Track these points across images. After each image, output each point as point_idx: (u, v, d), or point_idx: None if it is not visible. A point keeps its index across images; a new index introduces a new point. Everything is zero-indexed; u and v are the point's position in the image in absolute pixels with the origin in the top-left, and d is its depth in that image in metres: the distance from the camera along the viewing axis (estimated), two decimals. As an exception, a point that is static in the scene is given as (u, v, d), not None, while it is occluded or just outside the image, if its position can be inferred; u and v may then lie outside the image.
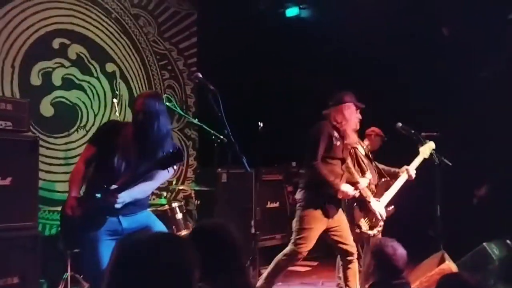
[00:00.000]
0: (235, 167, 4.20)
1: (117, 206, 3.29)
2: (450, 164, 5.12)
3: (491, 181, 6.71)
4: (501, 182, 6.36)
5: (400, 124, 5.50)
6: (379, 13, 6.93)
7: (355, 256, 4.44)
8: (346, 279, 4.46)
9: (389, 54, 6.95)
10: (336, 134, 4.37)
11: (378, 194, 4.78)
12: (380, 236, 4.70)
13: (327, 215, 4.33)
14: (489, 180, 6.75)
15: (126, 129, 3.50)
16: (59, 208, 4.78)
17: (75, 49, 6.22)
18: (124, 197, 3.29)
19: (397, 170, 5.11)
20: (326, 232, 4.41)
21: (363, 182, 4.57)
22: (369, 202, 4.60)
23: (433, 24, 7.00)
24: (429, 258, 4.82)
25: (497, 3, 6.41)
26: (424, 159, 5.11)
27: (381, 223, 4.73)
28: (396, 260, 3.04)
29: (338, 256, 4.74)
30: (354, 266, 4.42)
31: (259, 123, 6.18)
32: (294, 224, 4.41)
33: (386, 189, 4.83)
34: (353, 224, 4.61)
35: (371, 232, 4.66)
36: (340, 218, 4.46)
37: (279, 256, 4.46)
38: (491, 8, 6.42)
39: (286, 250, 4.42)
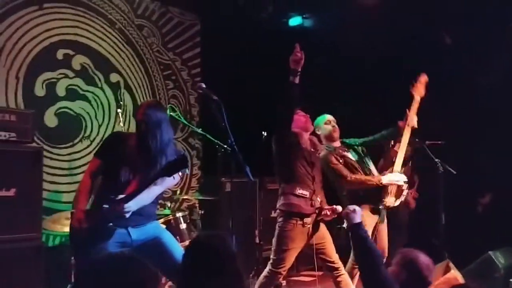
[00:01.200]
0: (239, 176, 4.19)
1: (126, 215, 3.30)
2: (454, 172, 5.11)
3: (495, 189, 6.68)
4: (505, 190, 6.34)
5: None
6: (382, 22, 6.96)
7: (341, 269, 4.38)
8: None
9: (392, 62, 6.96)
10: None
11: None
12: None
13: (307, 233, 4.29)
14: (493, 188, 6.73)
15: (131, 139, 3.52)
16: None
17: (79, 60, 6.25)
18: (131, 206, 3.30)
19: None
20: (310, 248, 4.36)
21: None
22: (381, 182, 4.65)
23: (436, 31, 7.01)
24: (434, 267, 4.78)
25: (498, 8, 6.41)
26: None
27: (405, 189, 4.79)
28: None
29: None
30: (345, 278, 4.37)
31: (263, 132, 6.20)
32: (273, 241, 4.36)
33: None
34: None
35: (397, 202, 4.80)
36: (323, 235, 4.38)
37: (260, 278, 4.42)
38: (492, 14, 6.43)
39: (265, 272, 4.37)
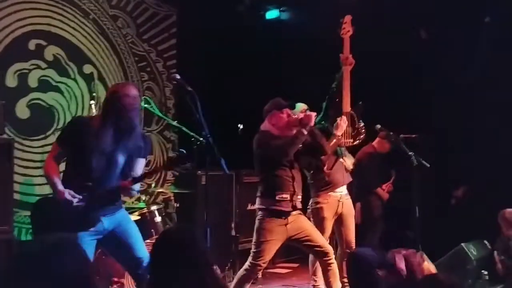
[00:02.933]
0: (214, 169, 4.17)
1: (133, 193, 3.59)
2: (428, 165, 5.16)
3: (469, 182, 6.78)
4: (479, 183, 6.43)
5: (379, 126, 5.55)
6: (360, 15, 6.97)
7: (332, 255, 4.41)
8: (327, 280, 4.43)
9: (369, 56, 6.97)
10: None
11: None
12: None
13: (285, 221, 4.29)
14: (466, 181, 6.82)
15: (93, 123, 3.46)
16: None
17: (52, 51, 6.14)
18: (136, 187, 3.49)
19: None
20: (294, 241, 4.38)
21: None
22: (338, 135, 4.78)
23: (413, 26, 7.06)
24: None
25: (475, 5, 6.48)
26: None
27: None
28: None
29: (310, 255, 4.75)
30: (334, 267, 4.39)
31: (239, 125, 6.19)
32: (254, 235, 4.37)
33: None
34: None
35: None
36: (303, 225, 4.38)
37: (240, 271, 4.43)
38: (469, 10, 6.49)
39: (246, 265, 4.38)
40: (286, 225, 4.28)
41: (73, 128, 3.52)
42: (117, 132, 3.39)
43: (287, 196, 4.30)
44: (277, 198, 4.28)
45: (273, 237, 4.27)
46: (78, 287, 1.58)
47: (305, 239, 4.35)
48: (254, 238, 4.37)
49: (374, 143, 6.29)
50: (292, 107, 4.50)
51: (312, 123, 4.25)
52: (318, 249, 4.37)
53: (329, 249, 4.40)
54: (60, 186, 3.33)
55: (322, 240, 4.43)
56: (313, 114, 4.29)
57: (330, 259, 4.36)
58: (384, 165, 6.44)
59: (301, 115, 4.34)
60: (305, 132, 4.21)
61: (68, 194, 3.28)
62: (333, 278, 4.39)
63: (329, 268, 4.38)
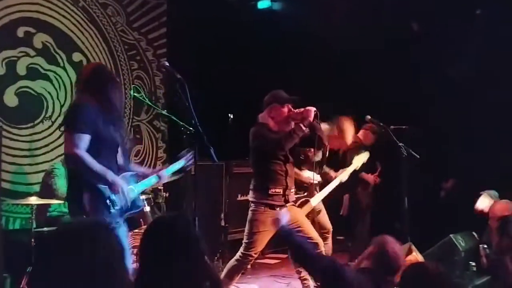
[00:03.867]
0: (204, 159, 4.15)
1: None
2: (417, 156, 5.18)
3: (458, 174, 6.81)
4: (468, 175, 6.46)
5: (369, 117, 5.56)
6: (351, 6, 6.96)
7: (322, 247, 4.43)
8: None
9: (360, 47, 6.97)
10: None
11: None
12: None
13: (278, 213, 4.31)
14: (455, 173, 6.85)
15: (92, 104, 3.37)
16: (24, 201, 4.74)
17: (40, 38, 6.07)
18: None
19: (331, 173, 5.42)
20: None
21: None
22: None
23: (405, 18, 7.05)
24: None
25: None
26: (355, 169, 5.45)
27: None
28: (394, 262, 3.00)
29: None
30: None
31: (230, 115, 6.17)
32: (246, 226, 4.40)
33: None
34: None
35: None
36: (295, 216, 4.38)
37: (231, 262, 4.45)
38: (460, 3, 6.50)
39: (237, 255, 4.41)
40: None
41: (87, 113, 3.31)
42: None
43: (280, 190, 4.34)
44: (269, 192, 4.31)
45: (265, 228, 4.28)
46: (110, 271, 1.57)
47: (296, 229, 4.35)
48: (246, 229, 4.39)
49: (359, 134, 6.31)
50: (295, 102, 4.45)
51: (312, 119, 4.23)
52: (309, 241, 4.38)
53: (320, 241, 4.42)
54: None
55: (314, 233, 4.45)
56: (313, 109, 4.28)
57: (319, 252, 4.37)
58: (370, 157, 6.46)
59: (301, 110, 4.31)
60: (304, 128, 4.20)
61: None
62: None
63: None
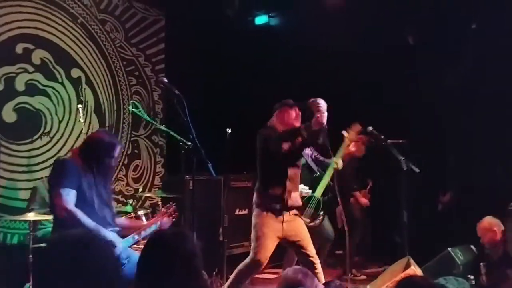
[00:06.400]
0: (202, 173, 4.16)
1: None
2: (417, 170, 5.18)
3: (456, 188, 6.82)
4: (465, 188, 6.47)
5: (370, 128, 5.55)
6: (348, 21, 7.01)
7: (318, 265, 4.41)
8: None
9: (358, 61, 7.02)
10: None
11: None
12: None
13: (280, 219, 4.31)
14: (453, 186, 6.86)
15: (76, 162, 3.50)
16: (21, 217, 4.72)
17: (39, 54, 6.10)
18: None
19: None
20: (288, 242, 4.41)
21: None
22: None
23: (401, 31, 7.11)
24: (395, 264, 4.84)
25: (463, 11, 6.54)
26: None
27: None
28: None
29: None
30: (319, 276, 4.36)
31: (227, 129, 6.17)
32: (251, 233, 4.40)
33: None
34: None
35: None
36: (300, 229, 4.40)
37: (240, 266, 4.44)
38: (457, 17, 6.55)
39: (247, 259, 4.40)
40: (282, 222, 4.31)
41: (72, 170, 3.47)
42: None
43: (278, 193, 4.31)
44: (268, 194, 4.33)
45: (268, 230, 4.29)
46: (105, 279, 1.58)
47: (299, 244, 4.38)
48: (252, 235, 4.40)
49: (351, 147, 6.29)
50: (303, 107, 4.46)
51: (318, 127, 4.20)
52: (308, 258, 4.39)
53: (317, 260, 4.42)
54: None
55: (312, 249, 4.44)
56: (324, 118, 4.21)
57: (316, 270, 4.36)
58: (361, 171, 6.53)
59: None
60: (305, 135, 4.20)
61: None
62: None
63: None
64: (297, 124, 4.42)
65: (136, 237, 3.67)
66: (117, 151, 3.57)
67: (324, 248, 5.39)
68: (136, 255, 3.56)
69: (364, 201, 6.48)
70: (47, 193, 4.94)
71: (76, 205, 3.35)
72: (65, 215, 3.28)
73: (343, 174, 5.86)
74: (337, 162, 4.99)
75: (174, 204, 3.94)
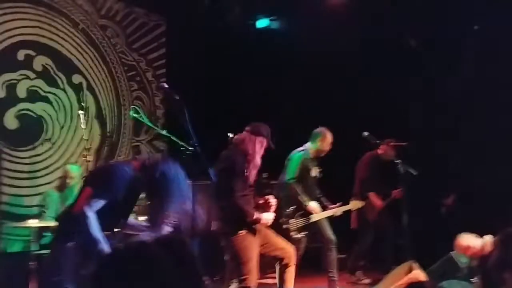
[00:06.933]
0: (203, 178, 4.15)
1: None
2: (415, 173, 5.18)
3: (459, 190, 6.79)
4: (468, 191, 6.45)
5: (366, 134, 5.58)
6: (349, 24, 7.01)
7: (292, 260, 4.43)
8: (282, 282, 4.47)
9: (358, 64, 7.02)
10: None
11: None
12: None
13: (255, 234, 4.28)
14: (456, 189, 6.84)
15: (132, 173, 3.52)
16: (23, 224, 4.73)
17: (40, 61, 6.11)
18: None
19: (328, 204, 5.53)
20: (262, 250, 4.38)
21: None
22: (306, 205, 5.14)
23: (402, 34, 7.11)
24: (398, 268, 4.83)
25: (463, 14, 6.53)
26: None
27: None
28: None
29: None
30: (291, 270, 4.44)
31: (229, 134, 6.16)
32: (234, 259, 4.28)
33: None
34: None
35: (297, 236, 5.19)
36: (263, 232, 4.38)
37: None
38: (457, 16, 6.55)
39: None
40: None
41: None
42: None
43: None
44: None
45: (255, 250, 4.29)
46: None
47: (270, 245, 4.42)
48: (237, 260, 4.33)
49: (380, 148, 6.34)
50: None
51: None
52: (280, 252, 4.45)
53: (289, 251, 4.47)
54: None
55: (283, 243, 4.50)
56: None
57: (288, 263, 4.44)
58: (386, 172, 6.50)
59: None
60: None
61: None
62: (289, 280, 4.46)
63: (286, 270, 4.45)
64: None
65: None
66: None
67: (330, 251, 5.36)
68: None
69: (378, 203, 6.44)
70: (59, 200, 4.98)
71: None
72: (79, 215, 3.25)
73: (363, 174, 6.01)
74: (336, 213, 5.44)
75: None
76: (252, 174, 4.29)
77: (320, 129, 5.46)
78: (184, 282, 2.09)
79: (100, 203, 3.27)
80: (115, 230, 3.43)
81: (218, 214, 4.37)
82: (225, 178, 4.14)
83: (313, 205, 5.28)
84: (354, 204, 5.83)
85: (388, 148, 6.24)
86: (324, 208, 5.46)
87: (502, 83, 6.18)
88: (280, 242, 4.46)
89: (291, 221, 5.25)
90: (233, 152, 4.33)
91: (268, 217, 4.31)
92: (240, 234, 4.20)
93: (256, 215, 4.20)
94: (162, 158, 3.53)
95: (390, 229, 6.45)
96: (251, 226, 4.22)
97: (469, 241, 4.64)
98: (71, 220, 3.31)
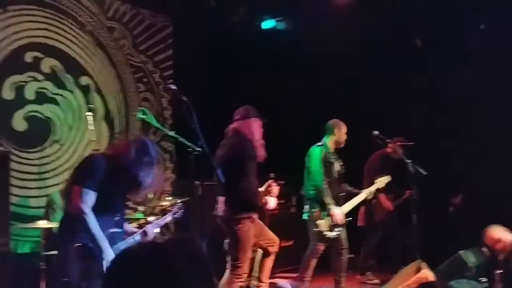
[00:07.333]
0: (211, 179, 4.17)
1: None
2: (425, 173, 5.17)
3: (467, 190, 6.78)
4: (476, 190, 6.43)
5: (376, 132, 5.57)
6: (355, 24, 7.01)
7: (276, 250, 4.66)
8: (263, 268, 4.70)
9: (365, 64, 7.01)
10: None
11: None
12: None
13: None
14: (464, 188, 6.82)
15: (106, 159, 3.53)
16: (33, 225, 4.75)
17: (48, 63, 6.14)
18: None
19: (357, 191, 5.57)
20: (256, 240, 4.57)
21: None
22: (330, 209, 5.10)
23: (407, 35, 7.10)
24: (406, 267, 4.82)
25: (470, 12, 6.52)
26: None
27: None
28: None
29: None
30: (272, 258, 4.68)
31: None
32: (233, 246, 4.41)
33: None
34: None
35: (330, 234, 5.14)
36: (257, 223, 4.59)
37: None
38: (464, 15, 6.53)
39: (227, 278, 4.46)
40: None
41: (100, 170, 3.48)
42: None
43: None
44: None
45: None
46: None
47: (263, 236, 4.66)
48: (238, 248, 4.48)
49: (388, 147, 6.34)
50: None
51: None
52: (267, 242, 4.64)
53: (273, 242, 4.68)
54: None
55: (271, 234, 4.70)
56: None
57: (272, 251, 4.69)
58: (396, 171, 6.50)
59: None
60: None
61: None
62: (267, 269, 4.72)
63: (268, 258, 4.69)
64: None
65: (137, 237, 3.67)
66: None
67: (340, 254, 5.35)
68: None
69: (388, 204, 6.43)
70: (63, 202, 4.98)
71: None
72: (76, 214, 3.28)
73: (371, 174, 6.00)
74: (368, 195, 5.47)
75: (181, 202, 3.95)
76: (261, 154, 4.43)
77: (333, 121, 5.42)
78: (197, 282, 2.10)
79: (91, 195, 3.30)
80: (111, 231, 3.43)
81: (225, 200, 4.44)
82: (236, 163, 4.27)
83: (337, 211, 5.18)
84: (380, 181, 5.67)
85: (397, 147, 6.23)
86: (354, 195, 5.48)
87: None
88: (269, 232, 4.65)
89: (319, 222, 5.16)
90: (237, 139, 4.44)
91: (272, 202, 4.50)
92: (246, 223, 4.35)
93: (263, 199, 4.41)
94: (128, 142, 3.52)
95: (397, 229, 6.44)
96: (256, 211, 4.43)
97: (502, 234, 4.63)
98: (71, 221, 3.33)
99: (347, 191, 5.48)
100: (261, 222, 4.64)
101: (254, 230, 4.41)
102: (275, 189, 4.56)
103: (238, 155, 4.31)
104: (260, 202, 4.38)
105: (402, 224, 6.13)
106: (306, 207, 5.31)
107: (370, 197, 5.56)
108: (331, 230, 5.18)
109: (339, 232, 5.21)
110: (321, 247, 5.30)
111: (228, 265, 4.44)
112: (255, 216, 4.45)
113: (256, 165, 4.35)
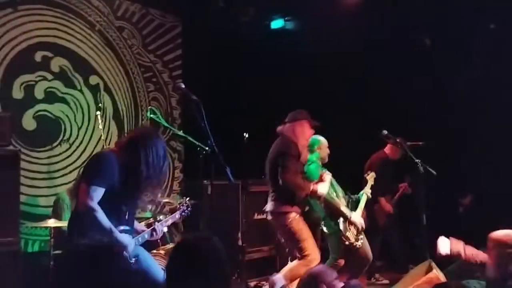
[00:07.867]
0: (220, 178, 4.16)
1: None
2: (434, 173, 5.14)
3: (476, 190, 6.74)
4: (486, 190, 6.39)
5: (385, 132, 5.54)
6: (363, 24, 6.99)
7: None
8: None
9: (373, 64, 6.99)
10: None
11: None
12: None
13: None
14: (474, 188, 6.78)
15: (116, 156, 3.53)
16: (42, 224, 4.77)
17: (58, 62, 6.16)
18: None
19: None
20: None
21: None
22: (350, 217, 5.10)
23: (412, 36, 7.07)
24: (416, 267, 4.80)
25: (474, 12, 6.48)
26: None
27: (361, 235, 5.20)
28: None
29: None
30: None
31: (245, 134, 6.18)
32: (292, 241, 4.65)
33: None
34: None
35: (358, 244, 5.08)
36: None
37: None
38: (472, 17, 6.49)
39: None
40: None
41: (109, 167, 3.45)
42: None
43: None
44: None
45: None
46: None
47: None
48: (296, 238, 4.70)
49: (386, 149, 6.31)
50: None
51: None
52: None
53: None
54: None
55: None
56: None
57: None
58: (394, 172, 6.48)
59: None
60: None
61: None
62: None
63: None
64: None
65: (146, 235, 3.67)
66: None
67: (362, 266, 5.35)
68: (144, 252, 3.57)
69: (388, 207, 6.41)
70: (70, 202, 5.01)
71: (102, 197, 3.33)
72: (84, 210, 3.29)
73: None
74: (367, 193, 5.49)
75: (188, 199, 3.97)
76: (304, 155, 4.78)
77: (313, 139, 5.17)
78: (213, 282, 2.10)
79: (99, 191, 3.28)
80: (121, 228, 3.43)
81: (272, 196, 4.77)
82: (278, 160, 4.64)
83: (357, 218, 5.18)
84: (370, 179, 5.68)
85: (396, 148, 6.19)
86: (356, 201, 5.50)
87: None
88: None
89: (348, 234, 5.08)
90: (283, 140, 4.79)
91: (324, 187, 4.79)
92: (292, 216, 4.61)
93: (311, 186, 4.70)
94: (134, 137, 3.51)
95: (396, 230, 6.44)
96: (302, 204, 4.70)
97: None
98: (80, 218, 3.33)
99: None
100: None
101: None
102: (327, 176, 4.95)
103: (280, 154, 4.65)
104: (305, 192, 4.65)
105: (411, 224, 6.11)
106: (322, 224, 5.31)
107: (370, 196, 5.53)
108: (357, 240, 5.13)
109: (362, 240, 5.20)
110: (342, 262, 5.21)
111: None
112: (299, 209, 4.69)
113: (299, 164, 4.65)
